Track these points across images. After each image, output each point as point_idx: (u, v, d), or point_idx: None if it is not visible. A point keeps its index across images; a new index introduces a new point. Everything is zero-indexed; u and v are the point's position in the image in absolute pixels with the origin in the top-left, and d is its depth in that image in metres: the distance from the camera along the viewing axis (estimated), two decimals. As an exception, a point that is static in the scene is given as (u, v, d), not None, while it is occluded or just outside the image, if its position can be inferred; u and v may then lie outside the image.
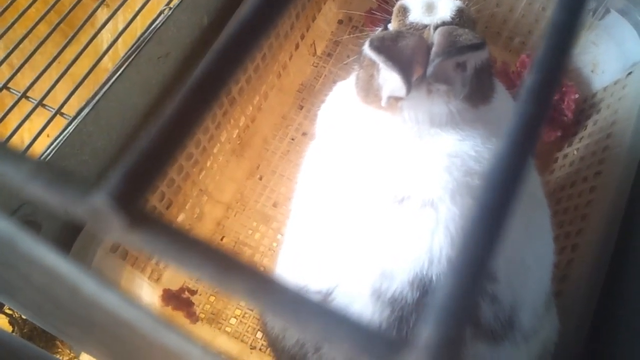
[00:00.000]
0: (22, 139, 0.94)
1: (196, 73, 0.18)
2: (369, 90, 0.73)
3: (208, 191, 1.04)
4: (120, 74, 0.86)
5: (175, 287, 0.98)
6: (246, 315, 0.99)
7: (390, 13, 0.79)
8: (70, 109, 0.84)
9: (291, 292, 0.16)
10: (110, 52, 0.89)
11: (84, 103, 0.84)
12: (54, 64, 0.86)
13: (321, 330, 0.15)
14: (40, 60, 0.86)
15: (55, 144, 0.81)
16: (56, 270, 0.23)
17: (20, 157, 0.17)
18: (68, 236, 0.83)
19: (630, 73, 1.00)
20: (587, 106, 1.08)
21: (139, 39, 0.91)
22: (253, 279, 0.16)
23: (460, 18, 0.73)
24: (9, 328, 0.90)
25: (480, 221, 0.15)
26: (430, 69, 0.65)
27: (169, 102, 0.17)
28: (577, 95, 1.07)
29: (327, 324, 0.15)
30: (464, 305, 0.14)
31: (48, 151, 0.80)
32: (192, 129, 0.17)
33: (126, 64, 0.87)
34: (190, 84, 0.17)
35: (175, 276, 0.99)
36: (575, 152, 1.04)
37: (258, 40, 0.18)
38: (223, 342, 0.97)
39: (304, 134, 1.13)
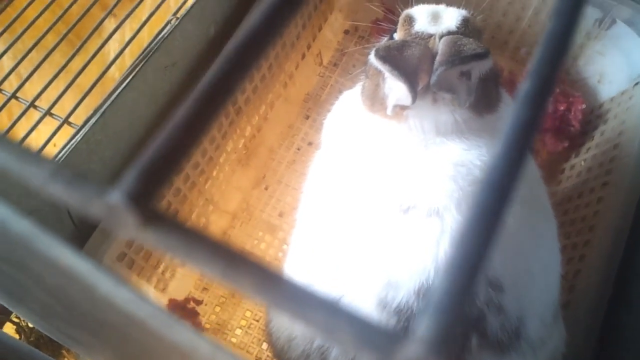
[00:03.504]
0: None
1: (210, 73, 0.18)
2: (375, 99, 0.74)
3: (214, 201, 1.04)
4: (127, 84, 0.87)
5: (180, 297, 0.98)
6: (252, 326, 0.98)
7: (395, 23, 0.79)
8: (78, 118, 0.85)
9: (297, 288, 0.16)
10: (117, 61, 0.90)
11: (91, 112, 0.85)
12: (62, 74, 0.87)
13: (324, 324, 0.15)
14: (48, 70, 0.87)
15: (62, 152, 0.81)
16: (72, 268, 0.24)
17: (41, 158, 0.17)
18: (74, 246, 0.83)
19: (637, 83, 1.00)
20: (594, 117, 1.07)
21: (146, 49, 0.91)
22: (260, 275, 0.16)
23: (466, 28, 0.73)
24: (15, 336, 0.90)
25: (476, 220, 0.15)
26: (434, 78, 0.66)
27: (182, 102, 0.18)
28: (584, 106, 1.07)
29: (330, 319, 0.15)
30: (460, 298, 0.14)
31: (56, 160, 0.81)
32: (205, 129, 0.18)
33: (133, 73, 0.88)
34: (204, 84, 0.18)
35: (181, 286, 0.99)
36: (582, 163, 1.03)
37: (271, 38, 0.18)
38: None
39: (310, 143, 1.13)
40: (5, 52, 0.90)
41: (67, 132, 0.84)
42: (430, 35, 0.72)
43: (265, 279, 0.16)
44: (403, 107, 0.70)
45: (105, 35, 0.92)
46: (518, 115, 0.16)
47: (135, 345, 0.27)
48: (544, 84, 0.17)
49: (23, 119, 0.85)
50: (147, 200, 0.16)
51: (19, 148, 0.17)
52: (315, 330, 0.15)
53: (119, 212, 0.16)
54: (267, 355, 0.95)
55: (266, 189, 1.10)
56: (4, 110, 0.86)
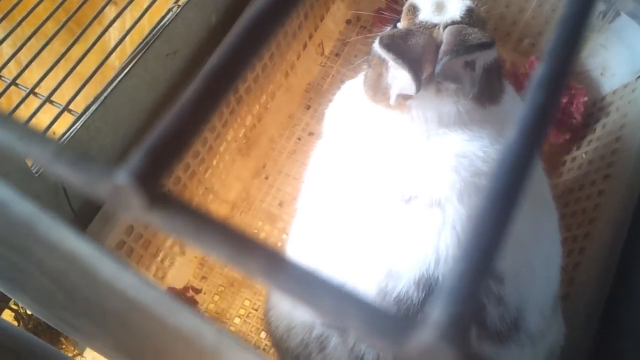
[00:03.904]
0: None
1: (216, 55, 0.18)
2: (378, 88, 0.73)
3: (214, 190, 1.04)
4: (128, 71, 0.86)
5: (179, 285, 0.98)
6: (250, 315, 0.98)
7: (398, 13, 0.79)
8: (78, 106, 0.85)
9: (305, 272, 0.16)
10: (117, 50, 0.90)
11: (91, 100, 0.84)
12: (62, 61, 0.86)
13: (333, 309, 0.15)
14: (48, 58, 0.87)
15: (62, 140, 0.81)
16: (74, 251, 0.24)
17: (45, 138, 0.17)
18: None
19: (640, 76, 0.99)
20: (596, 109, 1.07)
21: (146, 36, 0.91)
22: (268, 258, 0.16)
23: (470, 18, 0.73)
24: (14, 323, 0.90)
25: (491, 205, 0.15)
26: (438, 67, 0.65)
27: (189, 84, 0.17)
28: (586, 98, 1.06)
29: (339, 304, 0.15)
30: (474, 285, 0.14)
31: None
32: (213, 110, 0.17)
33: (134, 61, 0.87)
34: (212, 65, 0.17)
35: (180, 274, 0.99)
36: (583, 156, 1.03)
37: (276, 26, 0.18)
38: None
39: (311, 133, 1.13)
40: (4, 39, 0.89)
41: (67, 119, 0.84)
42: (435, 25, 0.72)
43: (273, 263, 0.15)
44: (406, 97, 0.70)
45: (105, 23, 0.91)
46: (534, 98, 0.16)
47: (137, 332, 0.27)
48: (561, 66, 0.16)
49: (23, 106, 0.85)
50: (154, 181, 0.16)
51: (23, 127, 0.16)
52: (326, 316, 0.15)
53: (125, 193, 0.16)
54: (266, 344, 0.96)
55: (266, 178, 1.10)
56: (3, 97, 0.85)
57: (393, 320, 0.14)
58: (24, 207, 0.22)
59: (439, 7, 0.73)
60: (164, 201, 0.16)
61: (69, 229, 0.23)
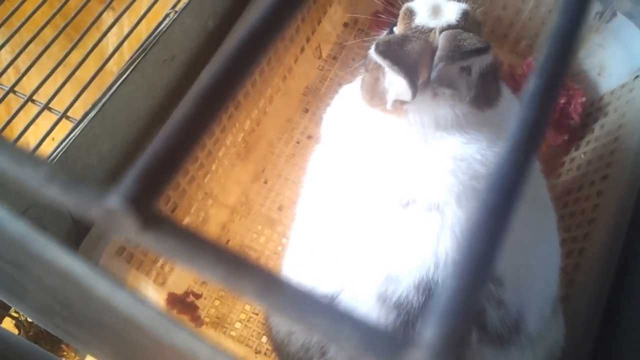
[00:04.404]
0: (27, 142, 0.94)
1: (207, 74, 0.18)
2: (375, 93, 0.73)
3: (213, 195, 1.04)
4: (125, 78, 0.86)
5: (180, 291, 0.98)
6: (251, 320, 0.98)
7: (395, 16, 0.79)
8: (76, 112, 0.85)
9: (298, 292, 0.16)
10: (115, 55, 0.90)
11: (89, 106, 0.84)
12: (60, 68, 0.87)
13: (327, 329, 0.15)
14: (46, 64, 0.87)
15: (61, 147, 0.81)
16: (69, 270, 0.24)
17: (37, 160, 0.17)
18: (73, 239, 0.83)
19: (637, 76, 0.99)
20: (594, 109, 1.07)
21: (144, 42, 0.91)
22: (261, 280, 0.16)
23: (466, 21, 0.73)
24: (14, 331, 0.90)
25: (482, 224, 0.15)
26: (434, 74, 0.65)
27: (180, 104, 0.17)
28: (584, 99, 1.06)
29: (333, 324, 0.15)
30: (466, 304, 0.14)
31: (54, 155, 0.81)
32: (204, 132, 0.17)
33: (132, 67, 0.87)
34: (203, 84, 0.17)
35: (180, 280, 0.99)
36: (582, 156, 1.03)
37: (272, 37, 0.18)
38: (228, 346, 0.97)
39: (309, 137, 1.13)
40: (3, 45, 0.90)
41: (65, 126, 0.84)
42: (431, 29, 0.72)
43: (267, 284, 0.15)
44: (403, 102, 0.70)
45: (103, 29, 0.91)
46: (524, 115, 0.16)
47: (134, 345, 0.27)
48: (551, 82, 0.16)
49: (21, 113, 0.85)
50: (146, 204, 0.16)
51: (15, 149, 0.16)
52: (319, 335, 0.15)
53: (117, 215, 0.16)
54: (267, 349, 0.96)
55: (265, 182, 1.10)
56: (2, 105, 0.86)
57: (387, 340, 0.15)
58: (17, 226, 0.22)
59: (435, 11, 0.73)
60: (157, 223, 0.16)
61: (62, 248, 0.23)
